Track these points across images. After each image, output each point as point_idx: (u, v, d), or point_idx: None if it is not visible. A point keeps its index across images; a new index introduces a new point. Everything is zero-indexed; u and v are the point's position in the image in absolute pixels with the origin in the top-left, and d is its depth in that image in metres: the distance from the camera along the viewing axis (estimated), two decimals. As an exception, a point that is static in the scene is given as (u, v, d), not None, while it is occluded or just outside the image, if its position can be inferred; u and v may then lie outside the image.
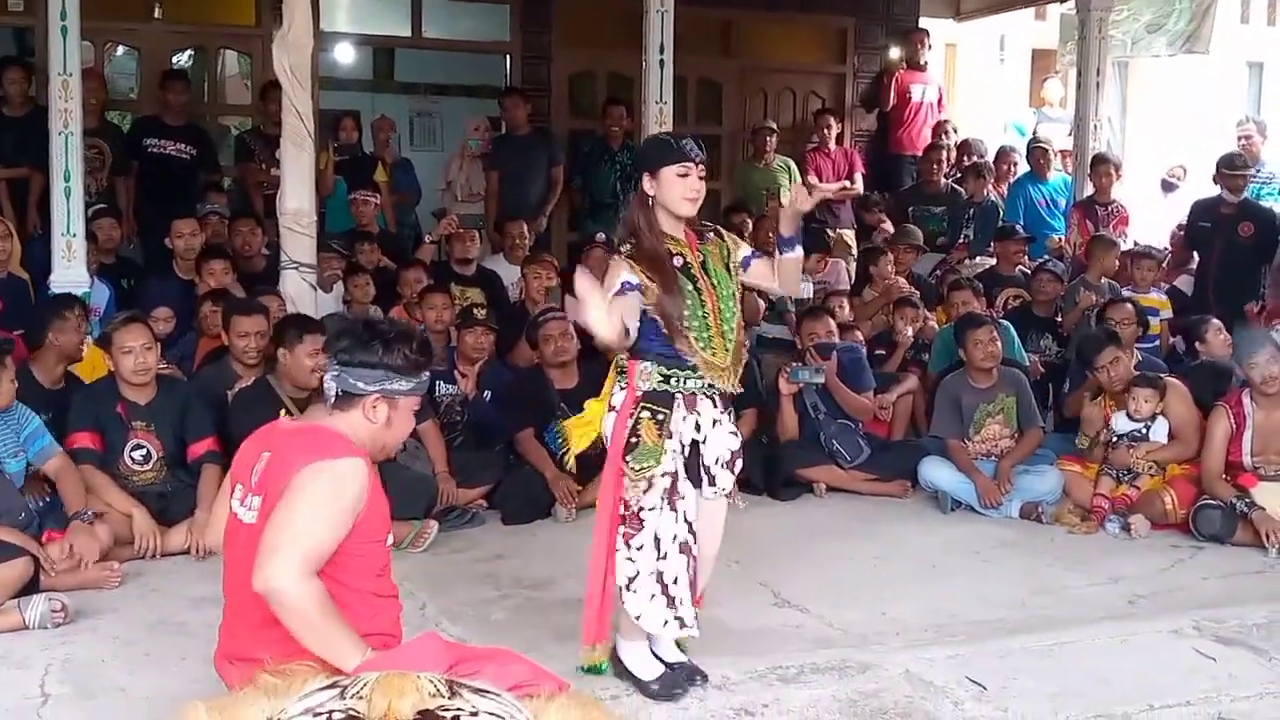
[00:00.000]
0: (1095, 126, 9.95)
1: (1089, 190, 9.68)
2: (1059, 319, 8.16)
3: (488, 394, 6.73)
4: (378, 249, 8.25)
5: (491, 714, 2.59)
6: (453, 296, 7.36)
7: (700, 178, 3.96)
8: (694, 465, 4.01)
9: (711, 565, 4.25)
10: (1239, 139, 9.62)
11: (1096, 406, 6.57)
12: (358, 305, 7.32)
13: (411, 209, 9.82)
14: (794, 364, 6.88)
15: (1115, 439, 6.35)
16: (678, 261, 3.94)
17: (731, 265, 4.08)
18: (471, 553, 4.89)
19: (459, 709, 2.57)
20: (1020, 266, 8.95)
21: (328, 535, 3.16)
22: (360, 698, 2.58)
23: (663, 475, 3.92)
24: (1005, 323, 7.66)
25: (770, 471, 6.76)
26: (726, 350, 3.98)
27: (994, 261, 9.14)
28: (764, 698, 3.95)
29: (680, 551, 3.96)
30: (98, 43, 9.64)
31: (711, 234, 4.12)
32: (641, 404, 3.93)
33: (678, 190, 3.93)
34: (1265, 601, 5.06)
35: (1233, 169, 8.65)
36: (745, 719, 3.81)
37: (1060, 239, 9.79)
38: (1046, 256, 9.31)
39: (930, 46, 11.70)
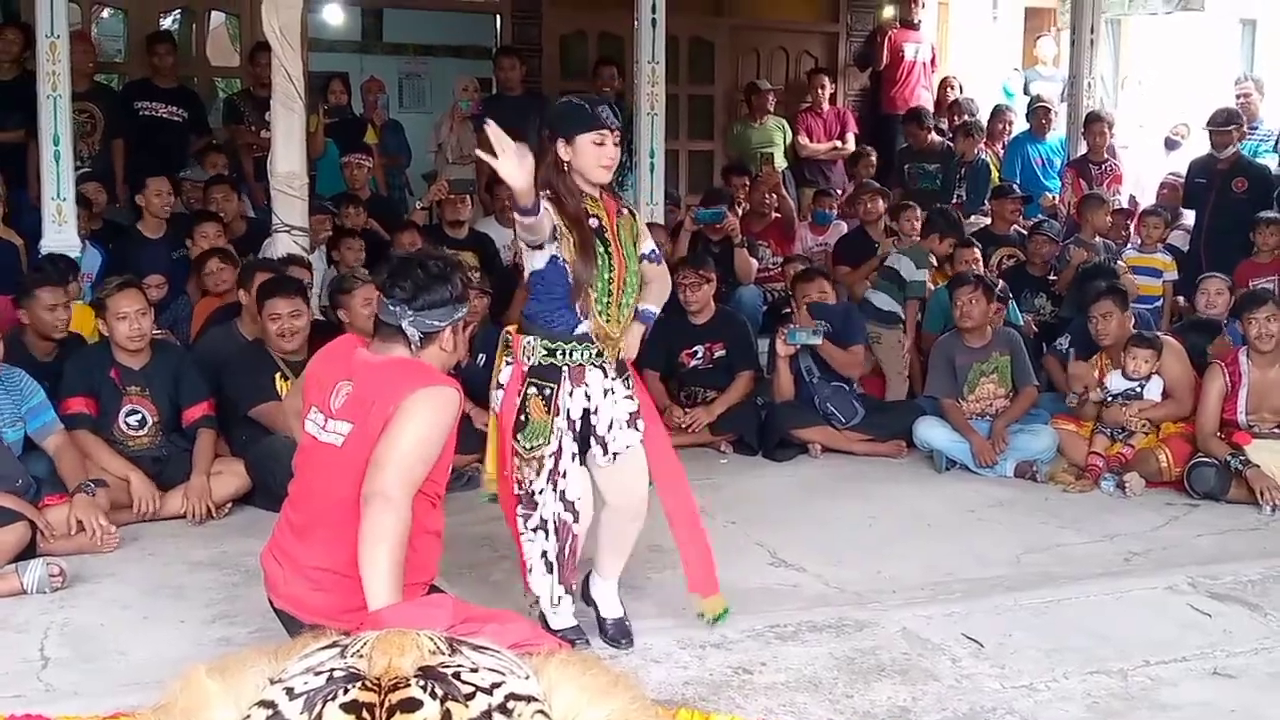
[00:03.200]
0: (1089, 84, 9.93)
1: (1083, 149, 9.67)
2: (1053, 279, 8.16)
3: (481, 357, 6.70)
4: (364, 212, 8.21)
5: (491, 670, 2.59)
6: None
7: (615, 144, 3.86)
8: (585, 437, 3.95)
9: (640, 521, 4.13)
10: (1237, 97, 9.60)
11: (1088, 365, 6.57)
12: (345, 269, 7.28)
13: (401, 171, 9.78)
14: (790, 325, 6.89)
15: (1110, 398, 6.36)
16: (593, 223, 3.87)
17: (638, 244, 4.03)
18: (468, 515, 4.88)
19: (459, 665, 2.57)
20: (1015, 226, 8.93)
21: (431, 455, 3.43)
22: (360, 656, 2.58)
23: (550, 455, 3.89)
24: (1002, 282, 7.65)
25: (766, 432, 6.78)
26: (619, 322, 3.92)
27: (989, 220, 9.13)
28: (762, 656, 3.96)
29: (555, 532, 3.95)
30: (84, 5, 9.56)
31: (626, 210, 4.07)
32: (528, 379, 3.87)
33: (593, 158, 3.84)
34: (1259, 558, 5.10)
35: (1217, 125, 8.64)
36: (743, 677, 3.82)
37: (1054, 197, 9.79)
38: (1041, 216, 9.29)
39: (924, 5, 11.60)
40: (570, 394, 3.90)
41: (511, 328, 3.98)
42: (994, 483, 6.30)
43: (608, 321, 3.89)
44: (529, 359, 3.88)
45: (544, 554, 3.96)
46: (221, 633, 4.12)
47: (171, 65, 9.01)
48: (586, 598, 4.17)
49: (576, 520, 3.98)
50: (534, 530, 3.94)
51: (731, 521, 5.51)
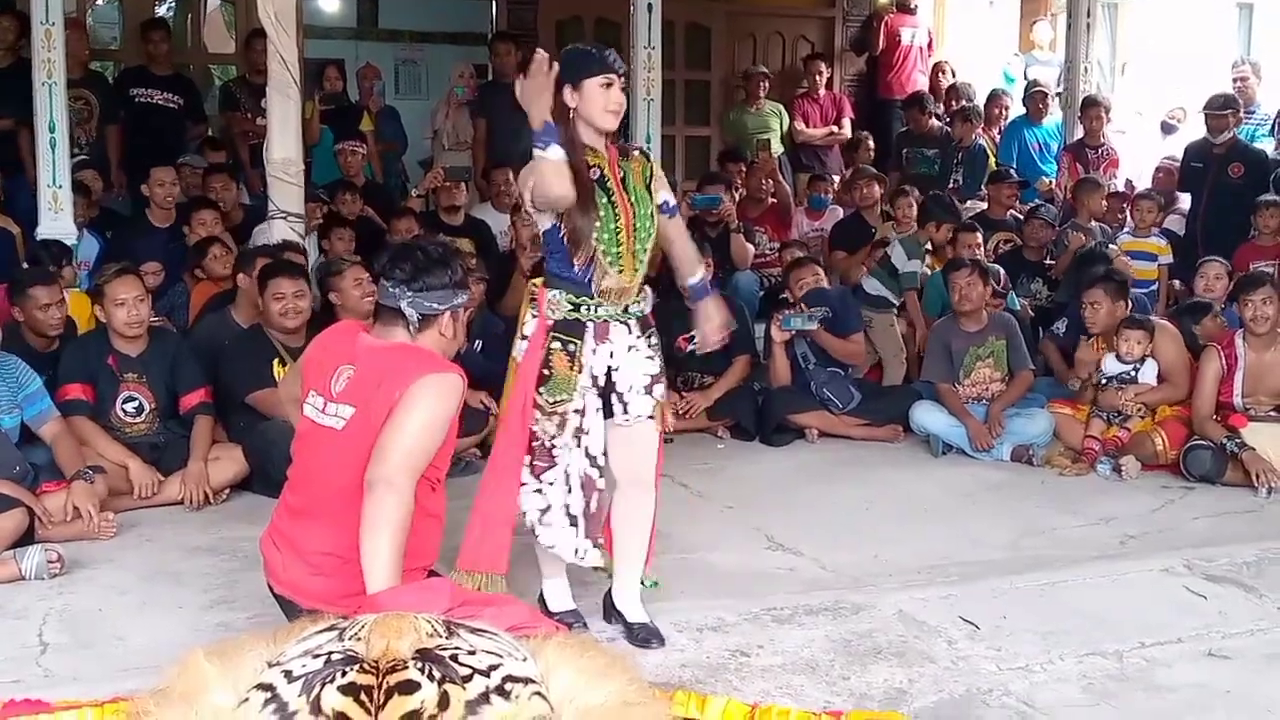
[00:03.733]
0: (1085, 69, 9.92)
1: (1079, 133, 9.67)
2: (1050, 263, 8.16)
3: (478, 344, 6.71)
4: (360, 199, 8.20)
5: (489, 652, 2.60)
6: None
7: (622, 89, 3.83)
8: (607, 394, 3.91)
9: (651, 493, 4.05)
10: (1234, 80, 9.59)
11: (1089, 348, 6.57)
12: (334, 258, 7.25)
13: (398, 158, 9.76)
14: (785, 311, 6.89)
15: (1105, 381, 6.37)
16: (594, 174, 3.81)
17: (651, 187, 3.96)
18: (465, 500, 4.86)
19: (456, 648, 2.59)
20: (1012, 210, 8.93)
21: (435, 441, 3.47)
22: (358, 639, 2.59)
23: (574, 412, 3.85)
24: (997, 267, 7.66)
25: (762, 417, 6.79)
26: (636, 270, 3.86)
27: (985, 205, 9.13)
28: (759, 639, 3.97)
29: (582, 487, 3.90)
30: (80, -9, 9.56)
31: (637, 153, 4.03)
32: (552, 334, 3.83)
33: (600, 102, 3.79)
34: (1255, 540, 5.10)
35: (1214, 110, 8.64)
36: (740, 659, 3.83)
37: (1050, 181, 9.79)
38: (1038, 200, 9.29)
39: (920, -10, 11.63)
40: (594, 351, 3.85)
41: (538, 281, 3.94)
42: (990, 466, 6.32)
43: (620, 272, 3.82)
44: (553, 313, 3.83)
45: (565, 507, 3.88)
46: (220, 618, 4.12)
47: (166, 52, 9.00)
48: (609, 615, 4.10)
49: (601, 476, 3.92)
50: (549, 484, 3.86)
51: (729, 506, 5.53)
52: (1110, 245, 8.07)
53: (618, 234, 3.82)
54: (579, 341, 3.83)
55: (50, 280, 5.79)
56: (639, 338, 3.94)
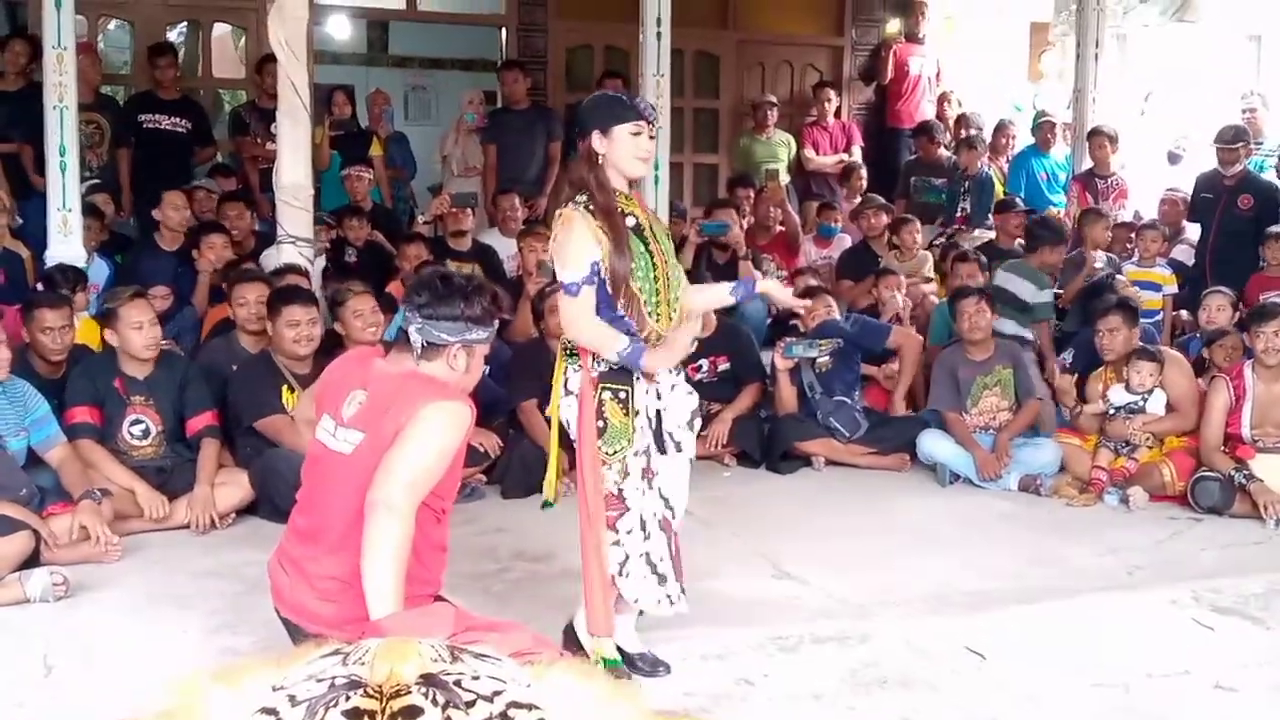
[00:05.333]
0: (1093, 99, 9.94)
1: (1088, 163, 9.68)
2: (1058, 292, 8.15)
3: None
4: (367, 224, 8.22)
5: (493, 677, 2.57)
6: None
7: (651, 137, 3.85)
8: (660, 434, 3.92)
9: (679, 525, 4.06)
10: (1243, 112, 9.59)
11: (1096, 378, 6.56)
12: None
13: (406, 183, 9.80)
14: (788, 339, 6.90)
15: (1113, 411, 6.36)
16: (630, 221, 3.81)
17: (670, 240, 4.01)
18: (471, 526, 4.90)
19: (460, 673, 2.56)
20: (1019, 240, 8.93)
21: (438, 468, 3.43)
22: (362, 663, 2.56)
23: (635, 455, 3.83)
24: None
25: (769, 445, 6.78)
26: (670, 319, 3.88)
27: (993, 234, 9.13)
28: (764, 667, 3.97)
29: (661, 529, 3.89)
30: (91, 16, 9.59)
31: (653, 211, 4.06)
32: (601, 386, 3.80)
33: (630, 149, 3.79)
34: (1263, 572, 5.09)
35: (1224, 143, 8.64)
36: (745, 688, 3.82)
37: (1059, 212, 9.77)
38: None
39: (929, 19, 11.67)
40: (646, 391, 3.86)
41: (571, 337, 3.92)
42: (998, 496, 6.30)
43: (657, 322, 3.82)
44: (599, 365, 3.81)
45: (643, 555, 3.85)
46: (225, 642, 4.12)
47: (173, 77, 9.04)
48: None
49: (674, 515, 3.92)
50: (627, 532, 3.84)
51: (735, 534, 5.52)
52: (1118, 275, 8.07)
53: (655, 282, 3.82)
54: (629, 388, 3.82)
55: (60, 304, 5.80)
56: (676, 375, 3.99)
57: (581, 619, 3.97)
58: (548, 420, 4.56)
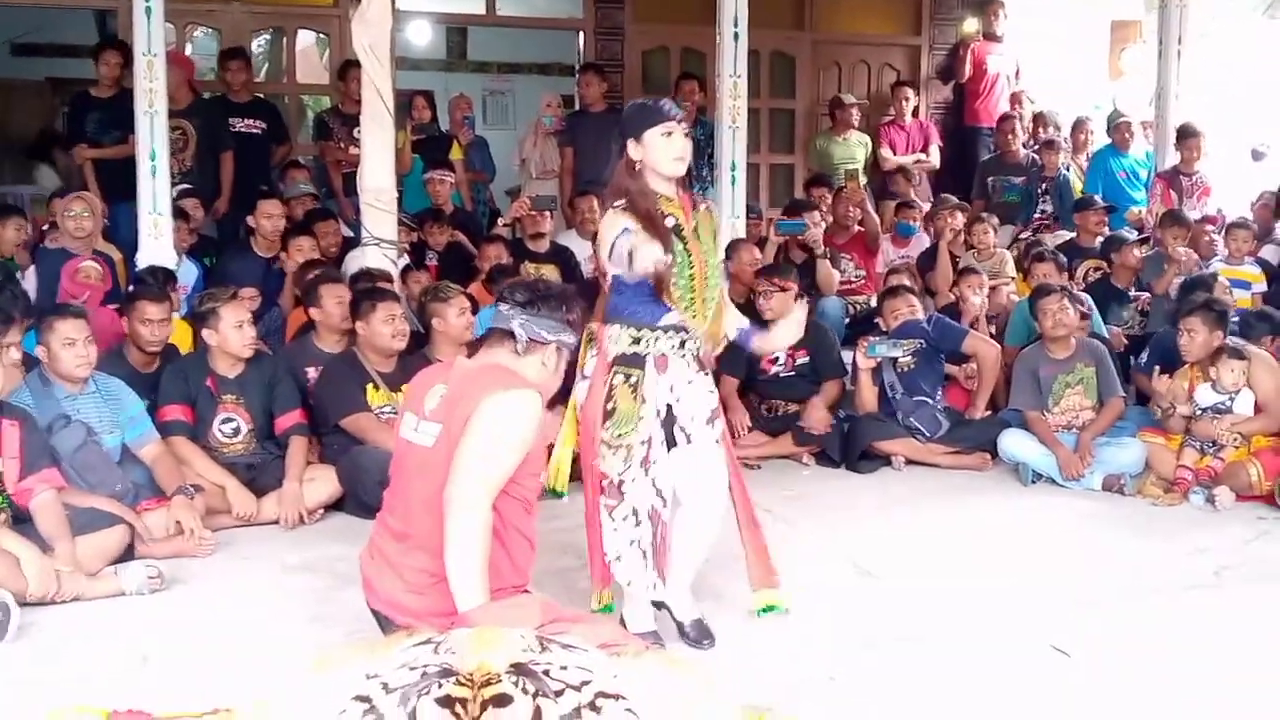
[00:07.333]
0: (1176, 96, 9.81)
1: (1171, 161, 9.55)
2: (1135, 295, 8.04)
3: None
4: (447, 228, 8.32)
5: (581, 668, 2.63)
6: (526, 273, 7.41)
7: (685, 135, 3.93)
8: (669, 426, 3.98)
9: (715, 525, 4.14)
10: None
11: (1172, 380, 6.46)
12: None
13: (486, 187, 9.91)
14: (871, 338, 6.89)
15: (1200, 411, 6.27)
16: (669, 221, 3.90)
17: (717, 239, 4.08)
18: (555, 523, 4.91)
19: (549, 662, 2.62)
20: (1100, 238, 8.84)
21: (508, 459, 3.48)
22: (453, 652, 2.63)
23: (640, 444, 3.90)
24: (1085, 295, 7.57)
25: (848, 445, 6.77)
26: (705, 317, 3.97)
27: (1073, 233, 9.04)
28: (846, 663, 3.97)
29: (649, 518, 3.95)
30: (179, 24, 9.81)
31: (704, 207, 4.11)
32: (614, 368, 3.91)
33: (664, 151, 3.90)
34: (1353, 572, 5.01)
35: None
36: (827, 684, 3.82)
37: (1141, 211, 9.67)
38: (1128, 228, 9.19)
39: (1007, 17, 11.57)
40: (656, 381, 3.93)
41: (594, 324, 4.02)
42: (1081, 496, 6.24)
43: (693, 317, 3.94)
44: (614, 347, 3.92)
45: (634, 542, 3.95)
46: (316, 634, 4.18)
47: (245, 80, 9.21)
48: (656, 604, 4.16)
49: (665, 506, 3.99)
50: (622, 519, 3.94)
51: (815, 531, 5.52)
52: (1216, 275, 7.93)
53: (691, 280, 3.93)
54: (640, 372, 3.91)
55: (161, 298, 5.94)
56: (697, 373, 4.03)
57: (669, 589, 4.07)
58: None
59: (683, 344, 3.97)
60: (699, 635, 4.08)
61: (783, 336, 4.34)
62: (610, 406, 3.90)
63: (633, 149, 3.92)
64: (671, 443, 3.99)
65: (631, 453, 3.91)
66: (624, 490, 3.93)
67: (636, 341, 3.92)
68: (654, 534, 3.97)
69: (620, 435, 3.90)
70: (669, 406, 3.97)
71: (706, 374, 4.08)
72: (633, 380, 3.90)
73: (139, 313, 5.79)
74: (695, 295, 3.94)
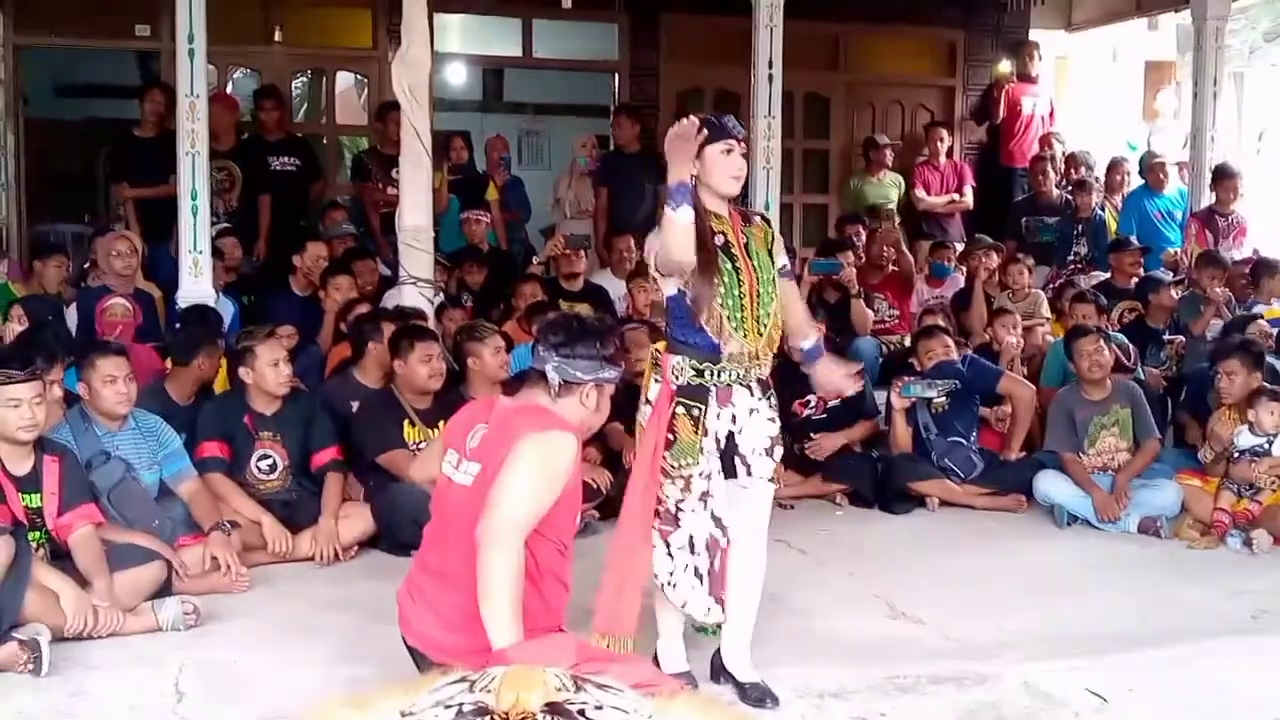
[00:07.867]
0: (1211, 138, 9.79)
1: (1206, 201, 9.52)
2: (1169, 339, 8.00)
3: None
4: (484, 269, 8.37)
5: (616, 708, 2.63)
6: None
7: (743, 155, 3.94)
8: (729, 456, 3.96)
9: (762, 557, 4.10)
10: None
11: (1226, 420, 6.43)
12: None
13: (521, 226, 9.97)
14: (906, 378, 6.88)
15: (1237, 453, 6.23)
16: (719, 240, 3.89)
17: (774, 251, 4.05)
18: (586, 560, 4.91)
19: (584, 702, 2.62)
20: (1135, 279, 8.81)
21: (542, 498, 3.51)
22: (488, 691, 2.63)
23: (701, 476, 3.89)
24: (1121, 336, 7.55)
25: (882, 485, 6.75)
26: (759, 334, 3.93)
27: (1108, 274, 9.01)
28: (881, 707, 3.95)
29: (706, 548, 3.93)
30: (220, 65, 9.94)
31: (758, 219, 4.12)
32: (676, 399, 3.89)
33: (722, 168, 3.89)
34: (1394, 618, 4.95)
35: None
36: (863, 727, 3.81)
37: (1176, 252, 9.62)
38: (1163, 269, 9.16)
39: (1041, 58, 11.59)
40: (718, 415, 3.92)
41: (660, 345, 4.02)
42: (1117, 538, 6.20)
43: (745, 336, 3.90)
44: (677, 378, 3.90)
45: (689, 567, 3.92)
46: (350, 672, 4.19)
47: (279, 119, 9.33)
48: (717, 675, 4.13)
49: (725, 536, 3.96)
50: (678, 548, 3.92)
51: (849, 573, 5.51)
52: (1261, 316, 7.87)
53: (741, 299, 3.90)
54: (703, 407, 3.89)
55: (214, 351, 6.13)
56: (759, 399, 4.00)
57: (728, 649, 4.08)
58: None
59: (748, 371, 3.96)
60: (760, 696, 4.01)
61: (832, 375, 4.33)
62: (671, 437, 3.88)
63: (691, 163, 3.88)
64: (730, 473, 3.97)
65: (691, 484, 3.90)
66: (680, 519, 3.92)
67: (699, 374, 3.90)
68: (712, 561, 3.95)
69: (679, 465, 3.89)
70: (730, 435, 3.96)
71: (770, 400, 4.04)
72: (695, 413, 3.88)
73: (206, 354, 5.98)
74: (746, 313, 3.90)
